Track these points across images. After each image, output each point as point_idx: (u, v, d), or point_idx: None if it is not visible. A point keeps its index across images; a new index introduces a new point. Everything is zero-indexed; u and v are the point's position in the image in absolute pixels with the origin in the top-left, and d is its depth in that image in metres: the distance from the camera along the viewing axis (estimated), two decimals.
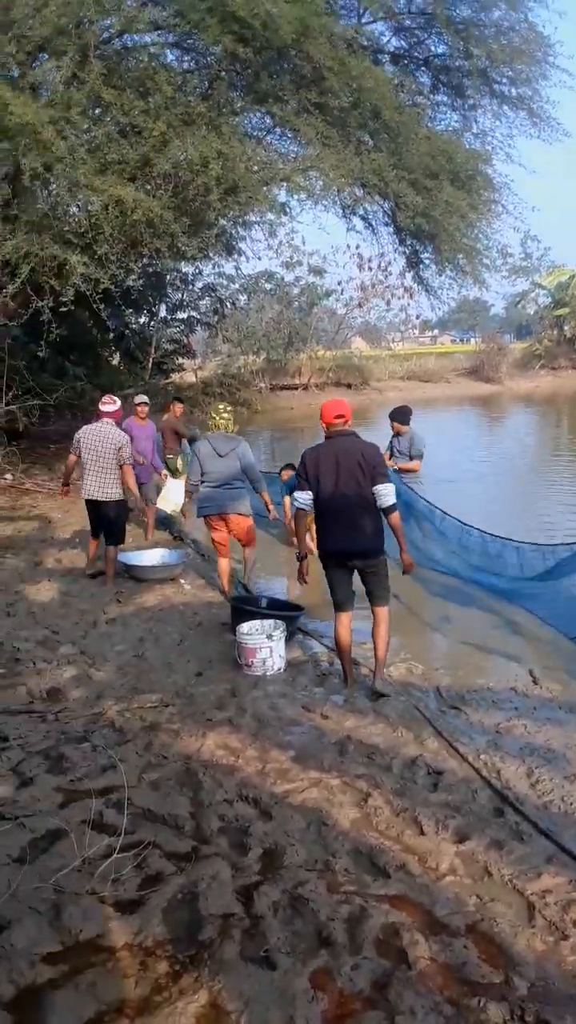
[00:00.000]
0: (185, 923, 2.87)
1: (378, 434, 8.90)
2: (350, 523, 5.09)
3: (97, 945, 2.74)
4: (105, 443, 7.56)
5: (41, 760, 4.13)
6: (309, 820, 3.57)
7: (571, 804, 3.74)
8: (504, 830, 3.52)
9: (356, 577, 5.32)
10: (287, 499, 9.05)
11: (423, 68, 15.24)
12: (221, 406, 7.43)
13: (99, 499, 7.65)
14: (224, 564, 7.34)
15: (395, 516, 5.11)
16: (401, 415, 8.61)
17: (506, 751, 4.32)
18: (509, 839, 3.43)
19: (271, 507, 7.54)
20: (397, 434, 8.63)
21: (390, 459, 8.81)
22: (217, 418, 7.19)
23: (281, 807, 3.67)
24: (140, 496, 8.66)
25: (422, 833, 3.50)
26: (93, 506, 7.77)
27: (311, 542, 8.89)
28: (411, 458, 8.51)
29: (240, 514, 7.09)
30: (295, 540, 5.53)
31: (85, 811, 3.54)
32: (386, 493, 5.05)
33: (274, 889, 3.04)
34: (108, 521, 7.75)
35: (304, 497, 5.22)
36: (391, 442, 8.65)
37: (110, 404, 7.83)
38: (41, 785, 3.84)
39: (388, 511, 5.08)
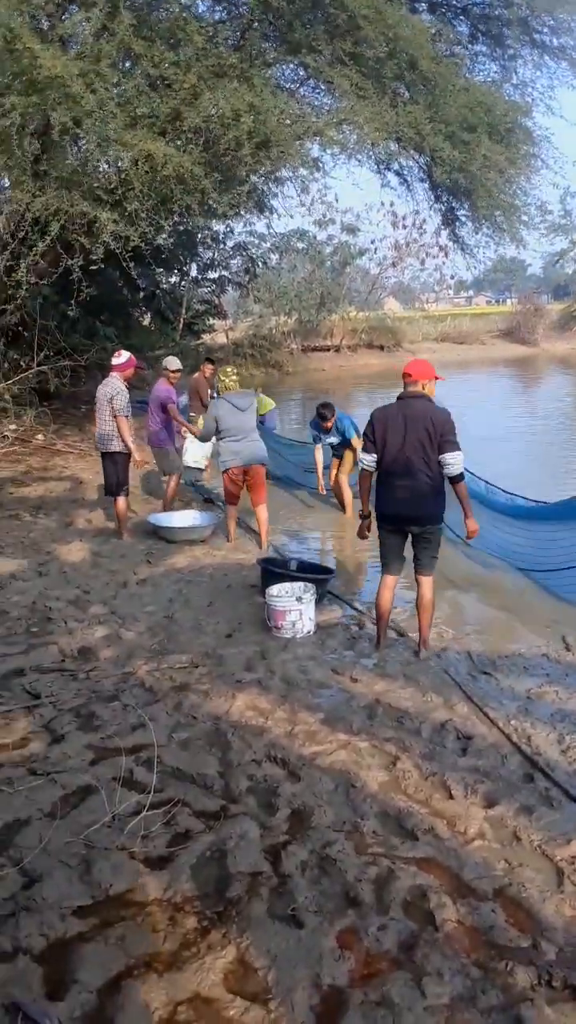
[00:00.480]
0: (213, 880, 2.90)
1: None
2: (412, 488, 4.96)
3: (127, 900, 2.78)
4: (102, 395, 7.75)
5: (72, 718, 4.18)
6: (337, 782, 3.57)
7: None
8: (534, 796, 3.50)
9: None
10: (319, 449, 8.94)
11: (461, 17, 14.70)
12: (229, 368, 8.07)
13: (101, 451, 7.96)
14: (233, 511, 7.92)
15: (462, 486, 5.01)
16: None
17: (537, 717, 4.28)
18: (539, 805, 3.41)
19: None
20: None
21: None
22: (227, 380, 7.68)
23: (309, 768, 3.68)
24: (154, 459, 8.83)
25: (451, 797, 3.49)
26: (102, 460, 8.07)
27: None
28: None
29: (262, 463, 7.66)
30: (355, 499, 5.60)
31: (115, 768, 3.58)
32: (454, 462, 4.90)
33: (302, 849, 3.06)
34: (108, 472, 7.98)
35: (369, 459, 5.10)
36: None
37: (116, 357, 7.99)
38: (72, 742, 3.89)
39: (455, 480, 4.97)
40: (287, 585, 5.77)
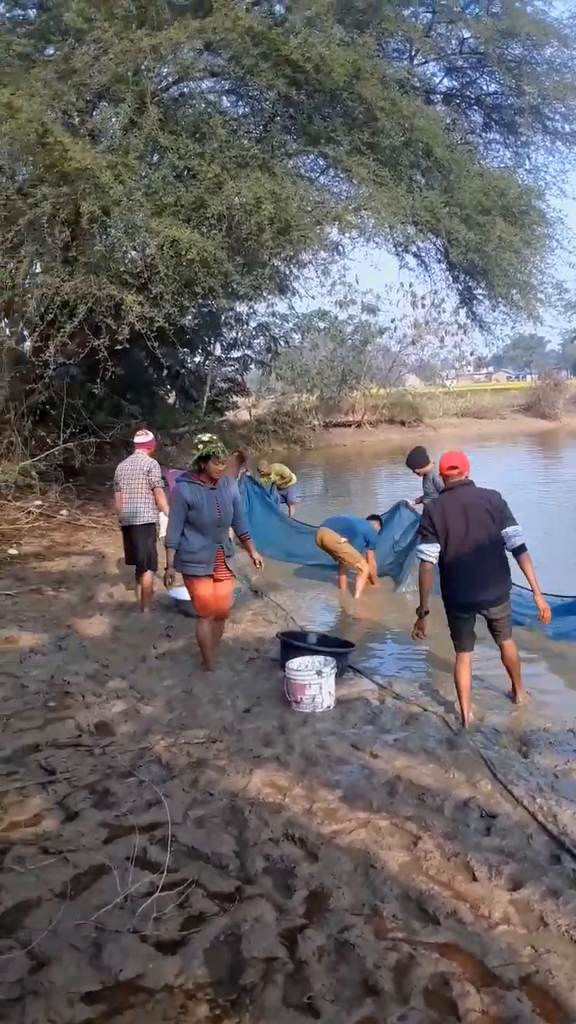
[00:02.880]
0: (227, 966, 2.81)
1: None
2: (484, 572, 5.08)
3: (137, 985, 2.69)
4: (135, 469, 8.01)
5: (87, 794, 4.12)
6: (356, 862, 3.47)
7: None
8: (561, 878, 3.37)
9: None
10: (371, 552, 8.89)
11: (475, 107, 15.36)
12: (205, 437, 6.00)
13: (132, 523, 8.01)
14: (207, 626, 6.22)
15: (526, 557, 5.06)
16: (417, 458, 8.52)
17: (564, 795, 4.15)
18: (566, 887, 3.28)
19: (254, 554, 6.36)
20: (424, 476, 8.49)
21: (418, 503, 8.74)
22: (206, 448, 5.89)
23: (328, 848, 3.58)
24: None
25: (474, 879, 3.37)
26: (127, 533, 8.14)
27: (371, 573, 8.71)
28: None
29: (229, 570, 6.26)
30: (419, 594, 5.39)
31: (129, 847, 3.51)
32: (515, 534, 5.05)
33: (319, 933, 2.95)
34: (138, 545, 8.03)
35: (433, 549, 5.11)
36: (424, 486, 8.54)
37: (142, 436, 8.37)
38: (86, 820, 3.82)
39: (519, 551, 5.06)
40: (307, 659, 5.72)
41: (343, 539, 8.58)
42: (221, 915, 3.07)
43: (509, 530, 5.04)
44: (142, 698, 5.60)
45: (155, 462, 8.10)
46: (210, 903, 3.15)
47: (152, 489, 7.95)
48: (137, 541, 8.01)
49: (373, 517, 9.32)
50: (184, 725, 5.11)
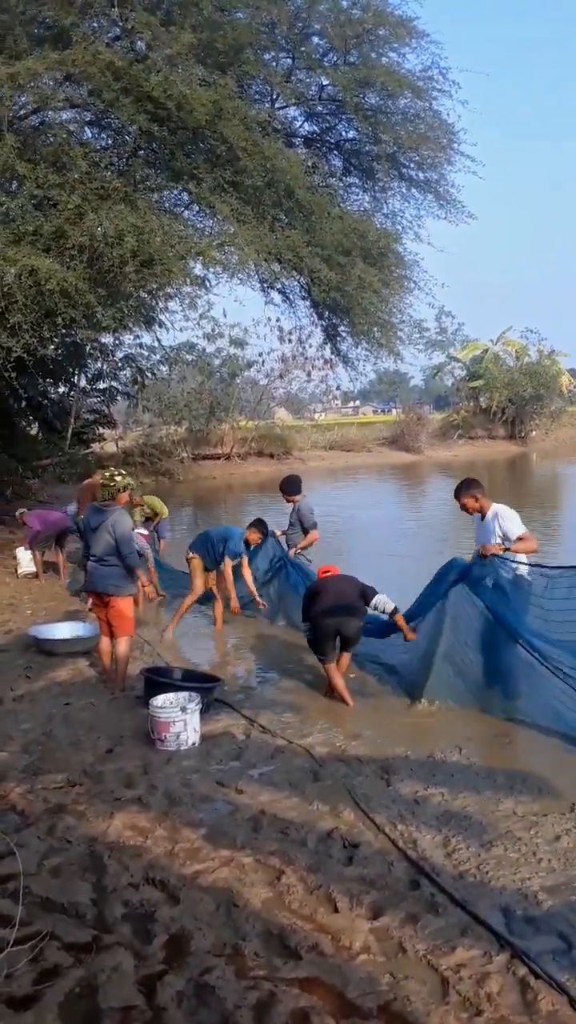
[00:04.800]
0: (82, 1019, 2.70)
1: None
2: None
3: None
4: None
5: None
6: (219, 902, 3.42)
7: (486, 872, 3.68)
8: (420, 903, 3.43)
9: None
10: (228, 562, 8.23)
11: (335, 151, 15.88)
12: (107, 473, 6.80)
13: None
14: (103, 644, 6.78)
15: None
16: (292, 485, 8.71)
17: (423, 820, 4.24)
18: (424, 912, 3.34)
19: (147, 586, 7.92)
20: (293, 505, 8.68)
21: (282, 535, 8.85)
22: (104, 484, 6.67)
23: (190, 889, 3.52)
24: None
25: (336, 910, 3.39)
26: None
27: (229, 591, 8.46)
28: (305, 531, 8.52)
29: (112, 595, 6.53)
30: None
31: None
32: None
33: (179, 978, 2.89)
34: None
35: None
36: (290, 516, 8.82)
37: None
38: None
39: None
40: (172, 695, 5.63)
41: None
42: (77, 967, 2.95)
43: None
44: None
45: None
46: (65, 955, 3.02)
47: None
48: None
49: (256, 523, 8.55)
50: (41, 770, 4.91)
